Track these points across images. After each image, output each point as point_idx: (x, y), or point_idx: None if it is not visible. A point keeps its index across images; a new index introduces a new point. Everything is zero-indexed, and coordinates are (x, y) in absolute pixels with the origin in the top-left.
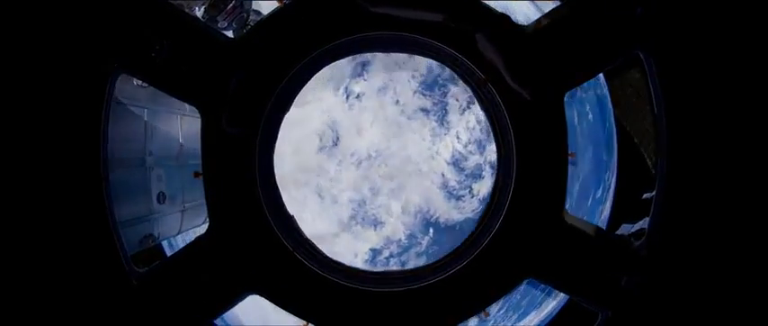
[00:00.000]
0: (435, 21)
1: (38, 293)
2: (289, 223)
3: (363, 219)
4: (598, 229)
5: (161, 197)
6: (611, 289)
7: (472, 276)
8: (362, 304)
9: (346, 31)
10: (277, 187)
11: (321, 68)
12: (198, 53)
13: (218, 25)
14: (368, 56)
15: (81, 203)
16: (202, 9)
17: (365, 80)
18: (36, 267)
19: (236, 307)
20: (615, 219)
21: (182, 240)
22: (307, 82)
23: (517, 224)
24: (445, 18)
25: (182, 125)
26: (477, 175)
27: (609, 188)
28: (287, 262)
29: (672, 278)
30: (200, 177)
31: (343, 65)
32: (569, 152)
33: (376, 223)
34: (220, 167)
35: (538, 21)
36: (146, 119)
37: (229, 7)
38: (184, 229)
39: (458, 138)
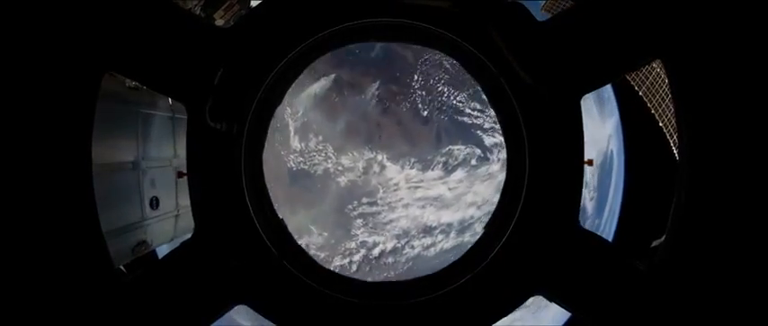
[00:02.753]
0: (442, 8)
1: (16, 301)
2: (278, 228)
3: None
4: (611, 244)
5: (154, 202)
6: (625, 311)
7: (476, 290)
8: (355, 319)
9: (347, 18)
10: (266, 188)
11: (317, 58)
12: (185, 45)
13: (216, 23)
14: None
15: (66, 206)
16: (199, 7)
17: None
18: (18, 271)
19: None
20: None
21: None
22: (301, 72)
23: (527, 234)
24: (453, 5)
25: (176, 127)
26: None
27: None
28: (275, 270)
29: (687, 304)
30: (185, 178)
31: None
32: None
33: None
34: (205, 165)
35: (556, 16)
36: (139, 121)
37: (227, 4)
38: (178, 235)
39: None
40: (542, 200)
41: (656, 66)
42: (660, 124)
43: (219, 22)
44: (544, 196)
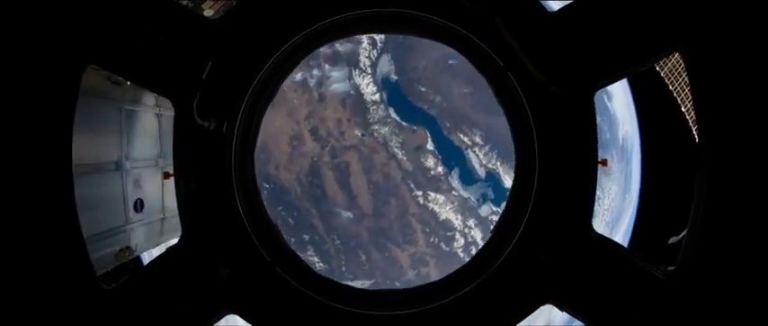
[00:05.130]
0: None
1: None
2: (271, 233)
3: None
4: (629, 250)
5: (138, 205)
6: (643, 322)
7: (481, 299)
8: None
9: (346, 7)
10: (257, 190)
11: (313, 50)
12: (172, 36)
13: (205, 13)
14: None
15: (44, 209)
16: None
17: None
18: None
19: None
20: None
21: None
22: (297, 64)
23: (537, 239)
24: None
25: (162, 125)
26: None
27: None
28: (267, 278)
29: (713, 315)
30: (171, 178)
31: None
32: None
33: None
34: (193, 165)
35: (567, 6)
36: (122, 118)
37: None
38: (165, 239)
39: None
40: (553, 203)
41: None
42: (683, 109)
43: (208, 13)
44: (555, 200)
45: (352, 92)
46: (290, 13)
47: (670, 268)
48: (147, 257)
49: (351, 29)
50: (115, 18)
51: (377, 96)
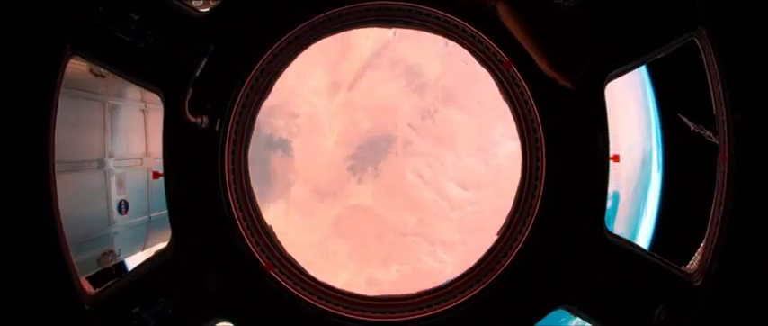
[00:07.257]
0: None
1: None
2: (266, 235)
3: None
4: (645, 250)
5: (123, 206)
6: None
7: (489, 304)
8: None
9: (340, 1)
10: (252, 191)
11: (309, 45)
12: (160, 28)
13: (193, 3)
14: None
15: (22, 210)
16: None
17: None
18: None
19: None
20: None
21: None
22: (291, 61)
23: (545, 241)
24: None
25: (148, 121)
26: None
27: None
28: (263, 283)
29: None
30: (159, 178)
31: None
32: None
33: None
34: (184, 165)
35: None
36: (106, 114)
37: None
38: (151, 243)
39: None
40: (561, 203)
41: None
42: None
43: (197, 4)
44: (563, 199)
45: None
46: (286, 5)
47: (690, 268)
48: (134, 261)
49: (350, 22)
50: (102, 8)
51: None
